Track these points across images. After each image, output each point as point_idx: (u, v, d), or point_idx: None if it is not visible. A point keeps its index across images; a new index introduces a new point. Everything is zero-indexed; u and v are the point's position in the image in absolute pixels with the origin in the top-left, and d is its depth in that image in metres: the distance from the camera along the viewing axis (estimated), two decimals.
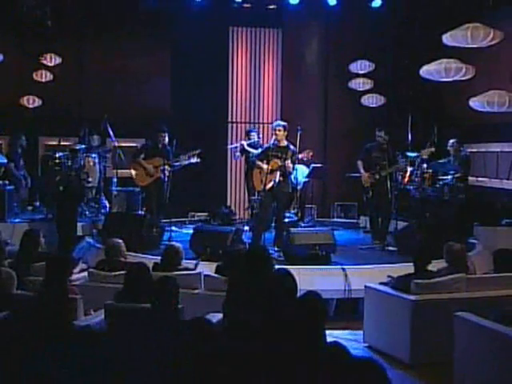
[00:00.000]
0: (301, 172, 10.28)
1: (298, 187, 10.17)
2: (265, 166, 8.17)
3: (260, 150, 8.85)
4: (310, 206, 11.26)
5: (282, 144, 8.19)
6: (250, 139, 10.68)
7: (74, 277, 6.05)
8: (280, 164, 8.06)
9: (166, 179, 9.31)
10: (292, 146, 8.22)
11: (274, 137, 8.31)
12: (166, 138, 9.46)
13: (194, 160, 9.44)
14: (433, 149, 9.52)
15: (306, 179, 10.65)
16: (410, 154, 9.66)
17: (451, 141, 9.98)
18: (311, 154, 8.29)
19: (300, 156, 8.19)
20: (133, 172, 9.51)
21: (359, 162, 9.10)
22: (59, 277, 5.11)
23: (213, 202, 11.52)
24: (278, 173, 8.09)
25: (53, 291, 4.10)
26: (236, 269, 4.87)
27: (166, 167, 9.25)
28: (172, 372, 3.05)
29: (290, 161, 8.03)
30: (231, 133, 12.52)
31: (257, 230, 8.25)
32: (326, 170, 11.03)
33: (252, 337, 3.43)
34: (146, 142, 10.12)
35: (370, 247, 8.84)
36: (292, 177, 9.74)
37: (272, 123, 9.39)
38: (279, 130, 8.17)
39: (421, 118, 10.10)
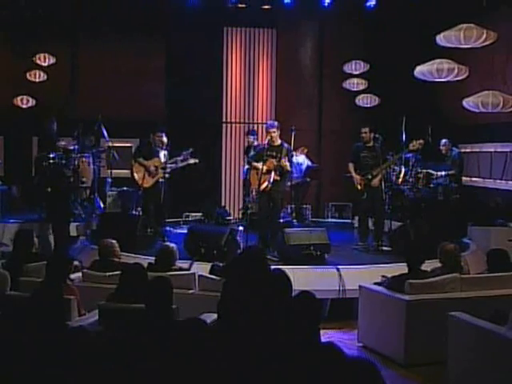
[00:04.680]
0: (302, 161, 10.30)
1: (300, 179, 10.11)
2: (261, 166, 8.16)
3: (255, 152, 8.83)
4: (304, 206, 11.28)
5: (276, 143, 8.19)
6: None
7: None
8: (276, 163, 8.05)
9: (164, 180, 9.17)
10: (286, 144, 8.23)
11: (267, 137, 8.29)
12: (164, 139, 9.28)
13: (192, 161, 9.31)
14: (421, 141, 9.51)
15: (304, 179, 10.72)
16: (403, 154, 9.66)
17: (443, 141, 10.03)
18: (306, 150, 8.29)
19: (295, 153, 8.17)
20: (135, 175, 9.16)
21: (350, 165, 8.90)
22: (59, 277, 5.11)
23: (207, 202, 11.52)
24: (273, 173, 8.08)
25: (48, 291, 4.08)
26: (231, 269, 4.87)
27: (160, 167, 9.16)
28: (166, 372, 3.04)
29: (285, 159, 8.02)
30: (226, 133, 12.50)
31: (260, 232, 8.20)
32: (319, 170, 11.02)
33: (246, 337, 3.42)
34: (142, 142, 10.02)
35: (362, 247, 8.81)
36: (294, 168, 9.61)
37: (266, 123, 9.35)
38: (273, 132, 8.16)
39: (415, 118, 10.10)
